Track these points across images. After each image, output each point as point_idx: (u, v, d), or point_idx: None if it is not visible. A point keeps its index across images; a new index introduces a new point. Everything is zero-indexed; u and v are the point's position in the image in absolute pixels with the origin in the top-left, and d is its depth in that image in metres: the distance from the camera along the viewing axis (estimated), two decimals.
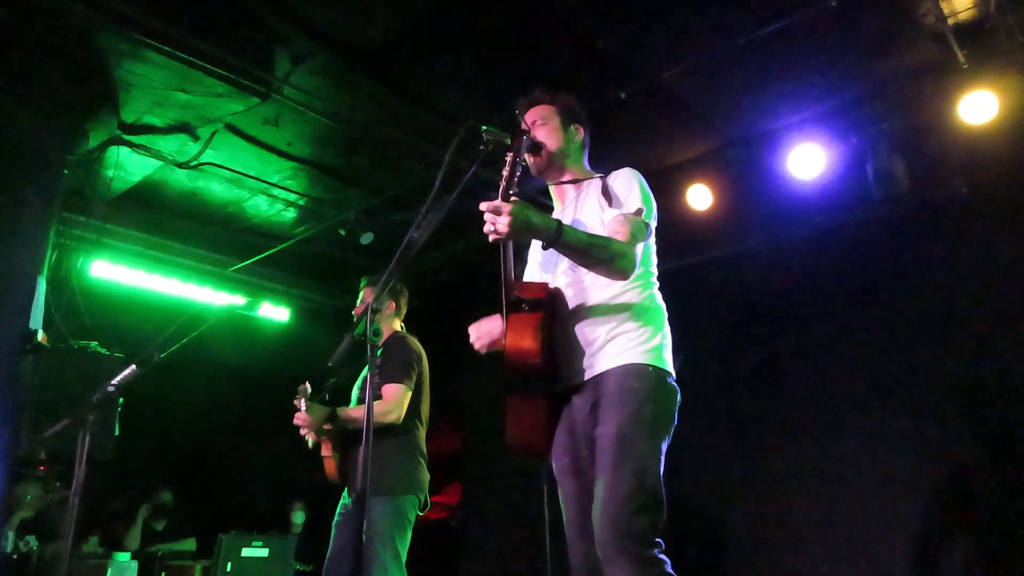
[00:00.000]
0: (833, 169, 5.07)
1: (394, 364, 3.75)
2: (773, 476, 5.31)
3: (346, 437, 3.74)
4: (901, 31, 4.36)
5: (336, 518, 3.74)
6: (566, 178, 2.66)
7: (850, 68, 4.67)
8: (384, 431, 3.64)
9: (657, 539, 2.14)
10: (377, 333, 2.08)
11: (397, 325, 4.13)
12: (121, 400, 4.37)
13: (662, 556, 2.12)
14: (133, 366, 3.24)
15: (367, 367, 4.03)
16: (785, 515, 5.19)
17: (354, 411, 3.74)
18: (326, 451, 3.71)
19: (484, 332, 2.52)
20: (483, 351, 2.53)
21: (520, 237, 2.16)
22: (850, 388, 5.12)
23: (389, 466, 3.60)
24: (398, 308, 4.15)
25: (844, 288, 5.28)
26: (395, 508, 3.56)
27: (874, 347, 5.07)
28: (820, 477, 5.09)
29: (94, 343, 4.93)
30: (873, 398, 4.99)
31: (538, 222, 2.14)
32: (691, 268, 5.75)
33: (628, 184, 2.48)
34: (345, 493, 3.79)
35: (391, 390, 3.71)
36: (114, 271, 6.45)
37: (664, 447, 2.28)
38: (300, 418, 3.61)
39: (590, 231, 2.45)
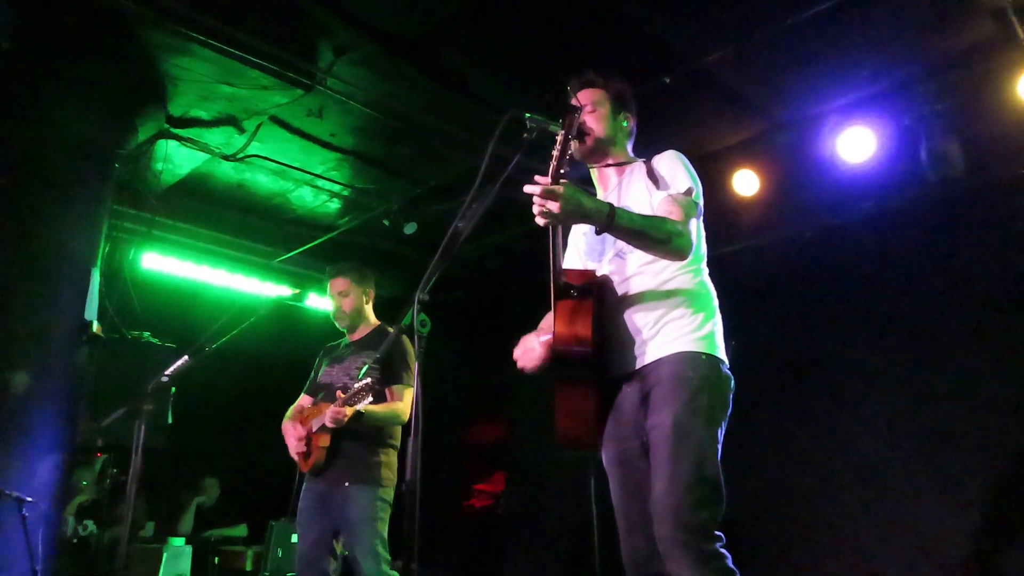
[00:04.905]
0: (884, 152, 4.94)
1: (400, 365, 3.85)
2: (820, 473, 5.18)
3: (339, 432, 3.73)
4: (957, 7, 4.23)
5: (303, 514, 3.78)
6: (609, 163, 2.63)
7: (902, 47, 4.54)
8: (382, 429, 3.81)
9: (718, 532, 2.10)
10: (424, 324, 2.07)
11: (373, 315, 4.19)
12: (174, 389, 4.48)
13: (723, 550, 2.08)
14: (186, 357, 3.31)
15: (328, 358, 4.12)
16: (831, 516, 5.06)
17: (377, 409, 3.74)
18: (324, 443, 3.72)
19: (527, 348, 2.46)
20: (529, 368, 2.44)
21: (571, 221, 2.13)
22: (905, 381, 4.96)
23: (378, 458, 3.77)
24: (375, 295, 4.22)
25: (897, 275, 5.13)
26: (382, 496, 3.72)
27: (930, 337, 4.91)
28: (871, 473, 4.96)
29: (147, 333, 5.05)
30: (929, 391, 4.83)
31: (590, 206, 2.10)
32: (737, 255, 5.66)
33: (673, 165, 2.46)
34: (307, 483, 3.83)
35: (402, 391, 3.83)
36: (164, 263, 6.60)
37: (721, 436, 2.23)
38: (340, 414, 3.57)
39: None
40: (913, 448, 4.84)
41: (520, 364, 2.47)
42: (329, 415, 3.60)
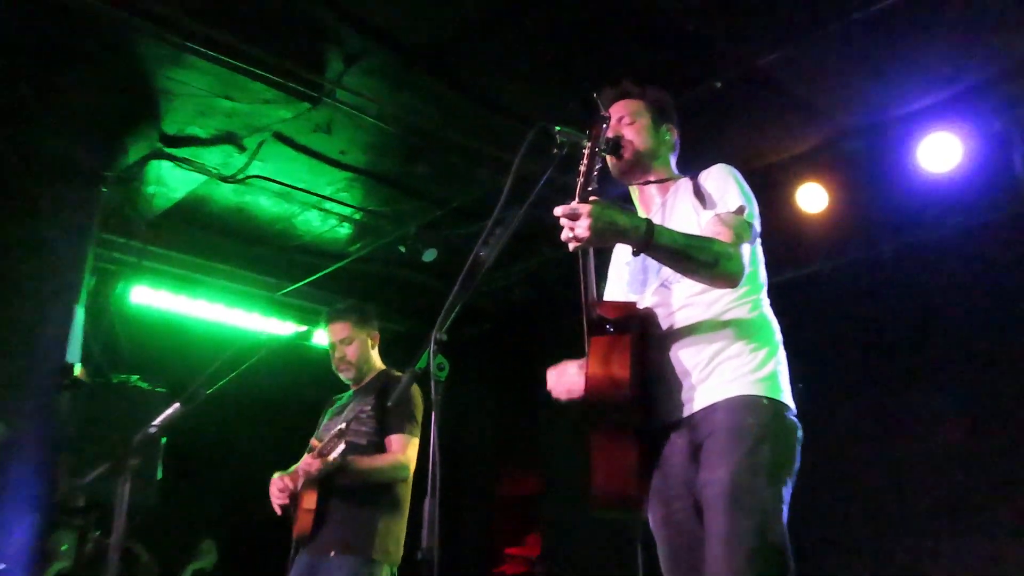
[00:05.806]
0: (972, 160, 4.88)
1: (400, 410, 3.68)
2: (909, 531, 5.08)
3: (326, 491, 3.60)
4: None
5: None
6: (651, 180, 2.61)
7: (988, 42, 4.49)
8: (382, 488, 3.63)
9: None
10: (442, 368, 2.05)
11: (379, 360, 4.09)
12: (164, 440, 4.50)
13: None
14: (177, 404, 3.30)
15: (332, 409, 4.04)
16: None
17: (367, 461, 3.60)
18: (310, 504, 3.56)
19: (563, 381, 2.43)
20: (564, 397, 2.42)
21: (604, 242, 2.11)
22: (999, 418, 4.87)
23: (371, 523, 3.57)
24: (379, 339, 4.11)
25: (988, 300, 5.06)
26: (372, 571, 3.51)
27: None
28: (975, 533, 4.84)
29: (135, 377, 5.10)
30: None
31: (624, 223, 2.07)
32: (803, 281, 5.59)
33: (723, 181, 2.44)
34: (300, 553, 3.66)
35: (402, 441, 3.66)
36: (156, 297, 6.66)
37: (787, 494, 2.17)
38: (315, 465, 3.46)
39: None
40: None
41: (555, 393, 2.43)
42: (301, 467, 3.53)
